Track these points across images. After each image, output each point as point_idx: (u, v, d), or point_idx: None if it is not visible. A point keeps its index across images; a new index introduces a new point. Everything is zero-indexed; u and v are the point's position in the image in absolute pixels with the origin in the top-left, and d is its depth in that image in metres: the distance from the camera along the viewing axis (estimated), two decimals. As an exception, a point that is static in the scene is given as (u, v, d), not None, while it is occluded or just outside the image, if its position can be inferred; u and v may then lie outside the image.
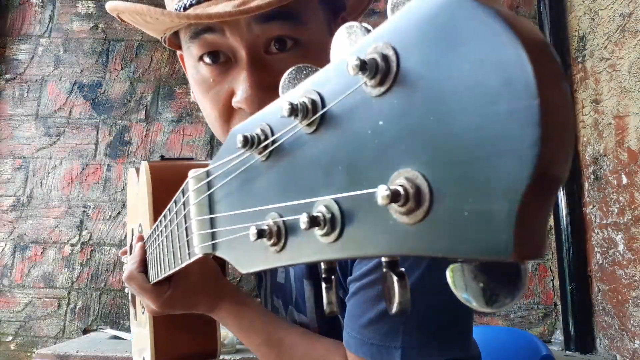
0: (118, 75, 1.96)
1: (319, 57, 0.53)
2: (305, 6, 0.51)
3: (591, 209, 1.61)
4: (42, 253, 1.84)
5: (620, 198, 1.44)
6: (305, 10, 0.52)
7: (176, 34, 0.56)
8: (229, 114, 0.53)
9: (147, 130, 1.92)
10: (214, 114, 0.54)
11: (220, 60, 0.51)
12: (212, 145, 1.90)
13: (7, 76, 1.97)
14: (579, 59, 1.70)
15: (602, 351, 1.54)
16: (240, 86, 0.49)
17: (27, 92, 1.95)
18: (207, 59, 0.52)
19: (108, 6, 0.52)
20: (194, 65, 0.54)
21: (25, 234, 1.85)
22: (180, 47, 0.59)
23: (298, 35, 0.51)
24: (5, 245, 1.85)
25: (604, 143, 1.54)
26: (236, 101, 0.50)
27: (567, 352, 1.60)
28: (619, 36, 1.47)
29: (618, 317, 1.45)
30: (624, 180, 1.43)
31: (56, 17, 2.00)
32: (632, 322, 1.38)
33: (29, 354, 1.76)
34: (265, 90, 0.49)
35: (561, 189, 1.67)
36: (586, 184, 1.64)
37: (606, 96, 1.53)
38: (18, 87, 1.96)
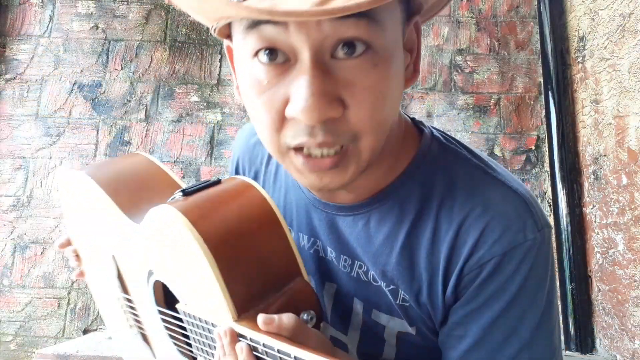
0: (118, 75, 1.96)
1: (388, 68, 0.44)
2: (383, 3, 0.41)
3: (591, 209, 1.61)
4: (42, 253, 1.83)
5: (620, 198, 1.44)
6: (384, 8, 0.43)
7: (229, 23, 0.48)
8: (280, 122, 0.45)
9: (147, 130, 1.92)
10: (265, 121, 0.46)
11: (278, 59, 0.43)
12: (212, 145, 1.90)
13: (7, 76, 1.96)
14: (579, 59, 1.70)
15: (602, 351, 1.54)
16: (299, 93, 0.42)
17: (27, 92, 1.95)
18: (263, 57, 0.44)
19: None
20: (246, 61, 0.46)
21: (25, 234, 1.85)
22: (229, 37, 0.51)
23: (372, 38, 0.42)
24: (5, 245, 1.85)
25: (604, 143, 1.54)
26: (292, 110, 0.43)
27: (567, 352, 1.60)
28: (619, 36, 1.47)
29: (618, 317, 1.45)
30: (624, 180, 1.42)
31: (56, 17, 2.00)
32: (632, 322, 1.38)
33: (29, 354, 1.76)
34: (326, 101, 0.42)
35: (561, 189, 1.68)
36: (586, 184, 1.64)
37: (606, 96, 1.53)
38: (18, 87, 1.96)
